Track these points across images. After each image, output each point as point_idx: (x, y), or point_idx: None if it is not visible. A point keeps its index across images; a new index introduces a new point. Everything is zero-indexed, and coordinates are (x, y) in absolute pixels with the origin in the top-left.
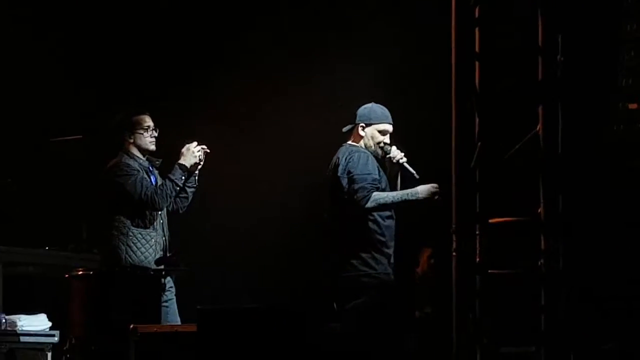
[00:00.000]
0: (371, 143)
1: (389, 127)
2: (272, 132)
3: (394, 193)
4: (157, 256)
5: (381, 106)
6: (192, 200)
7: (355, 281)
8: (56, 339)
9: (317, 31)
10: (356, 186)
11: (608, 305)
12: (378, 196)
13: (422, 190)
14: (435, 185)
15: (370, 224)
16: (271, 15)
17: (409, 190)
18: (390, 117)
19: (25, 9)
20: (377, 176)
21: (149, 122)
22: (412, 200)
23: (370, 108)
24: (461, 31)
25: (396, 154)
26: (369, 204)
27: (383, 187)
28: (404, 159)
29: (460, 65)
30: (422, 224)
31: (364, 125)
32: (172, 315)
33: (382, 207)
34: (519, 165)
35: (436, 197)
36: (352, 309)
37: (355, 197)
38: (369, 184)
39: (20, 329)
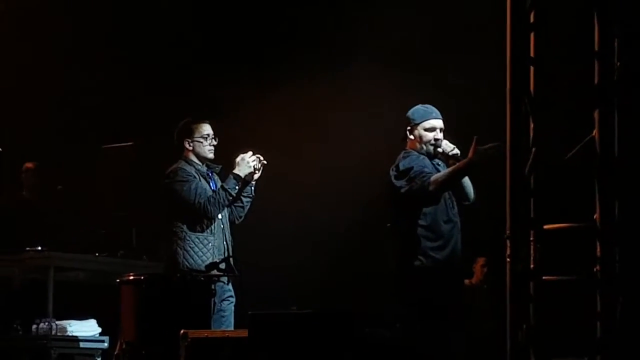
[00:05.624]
0: (422, 144)
1: (436, 122)
2: (332, 138)
3: (446, 169)
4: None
5: (425, 105)
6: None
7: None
8: (106, 344)
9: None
10: (413, 174)
11: None
12: (436, 177)
13: (474, 153)
14: (485, 147)
15: (420, 230)
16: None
17: (459, 162)
18: (435, 112)
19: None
20: (430, 169)
21: (208, 130)
22: (468, 166)
23: (414, 109)
24: (516, 35)
25: (446, 147)
26: (431, 187)
27: None
28: (456, 151)
29: (515, 69)
30: (476, 234)
31: (410, 128)
32: (228, 325)
33: (444, 184)
34: (575, 170)
35: (491, 152)
36: (403, 314)
37: (416, 187)
38: (426, 172)
39: (70, 334)
